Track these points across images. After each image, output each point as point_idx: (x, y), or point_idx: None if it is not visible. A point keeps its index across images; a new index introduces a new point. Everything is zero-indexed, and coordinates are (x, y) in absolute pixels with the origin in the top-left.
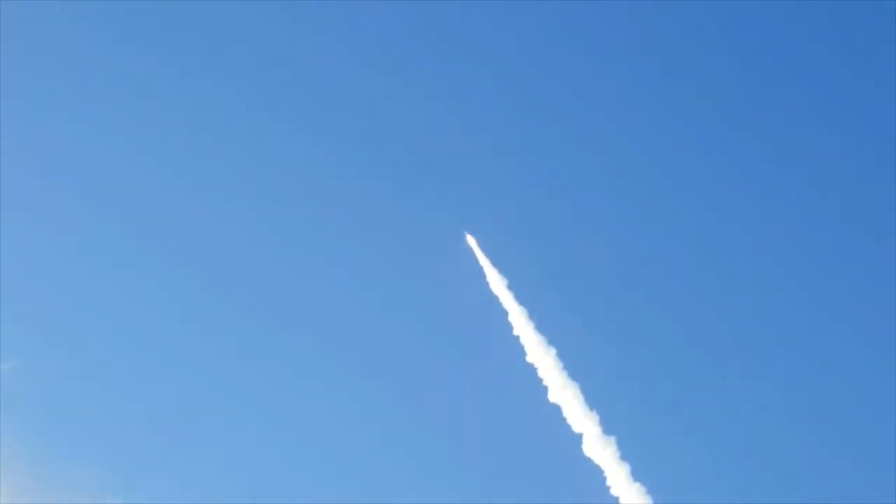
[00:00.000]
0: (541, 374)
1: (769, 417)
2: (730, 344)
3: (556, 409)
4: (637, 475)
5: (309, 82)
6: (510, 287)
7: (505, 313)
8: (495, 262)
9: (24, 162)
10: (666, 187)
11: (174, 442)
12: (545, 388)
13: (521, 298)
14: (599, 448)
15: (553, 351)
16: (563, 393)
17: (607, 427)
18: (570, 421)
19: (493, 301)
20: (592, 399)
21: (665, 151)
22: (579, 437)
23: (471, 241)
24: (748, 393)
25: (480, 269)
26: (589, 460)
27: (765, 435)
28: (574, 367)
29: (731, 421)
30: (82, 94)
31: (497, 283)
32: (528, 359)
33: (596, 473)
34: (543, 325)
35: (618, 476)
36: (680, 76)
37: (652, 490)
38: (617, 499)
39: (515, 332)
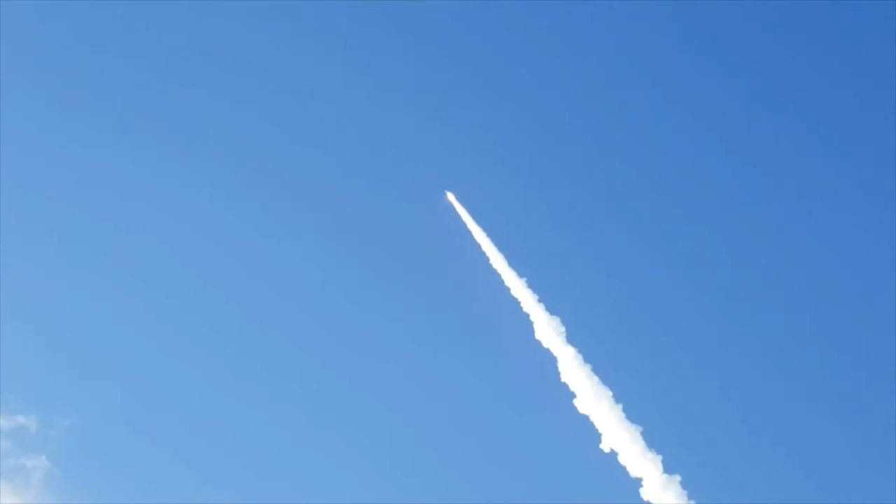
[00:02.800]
0: (594, 420)
1: (847, 454)
2: (794, 378)
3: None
4: None
5: (290, 59)
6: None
7: (556, 360)
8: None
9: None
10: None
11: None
12: (599, 435)
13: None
14: (661, 490)
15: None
16: (620, 436)
17: (669, 466)
18: (627, 466)
19: (545, 351)
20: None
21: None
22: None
23: (451, 198)
24: (821, 427)
25: (529, 319)
26: None
27: (844, 472)
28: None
29: (800, 454)
30: (82, 94)
31: (550, 330)
32: (579, 406)
33: None
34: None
35: None
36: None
37: None
38: None
39: (564, 379)
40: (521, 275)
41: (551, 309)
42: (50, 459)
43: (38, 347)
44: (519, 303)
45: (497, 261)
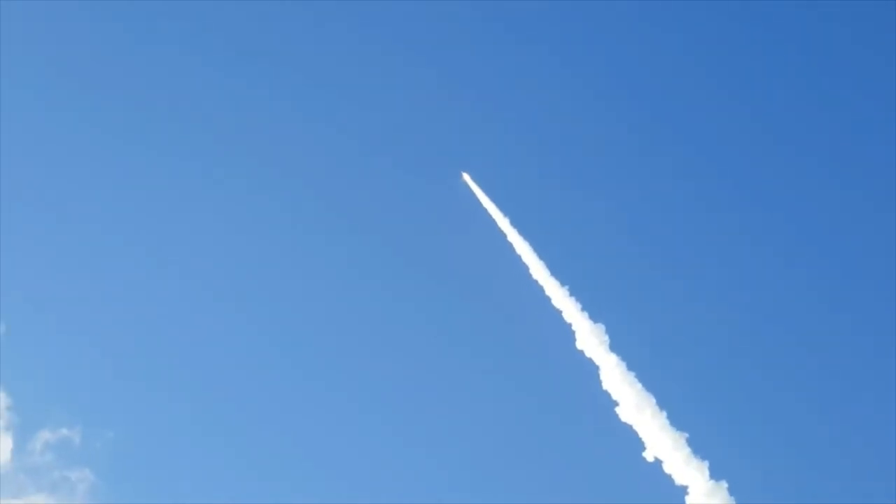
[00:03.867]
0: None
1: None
2: (844, 382)
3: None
4: None
5: (305, 42)
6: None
7: (598, 369)
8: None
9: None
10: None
11: None
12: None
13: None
14: (707, 497)
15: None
16: (664, 444)
17: (716, 472)
18: (673, 474)
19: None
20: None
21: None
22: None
23: (467, 178)
24: (873, 431)
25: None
26: None
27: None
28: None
29: (851, 459)
30: (82, 95)
31: (592, 337)
32: (622, 414)
33: None
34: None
35: None
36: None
37: None
38: None
39: (605, 387)
40: (549, 269)
41: (579, 301)
42: (94, 472)
43: (82, 360)
44: (559, 310)
45: (531, 260)
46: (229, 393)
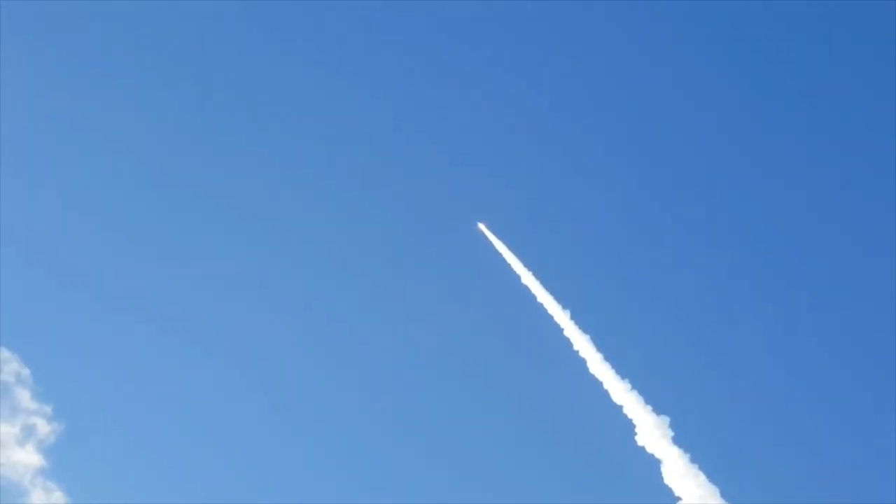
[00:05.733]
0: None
1: None
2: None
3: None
4: None
5: (319, 94)
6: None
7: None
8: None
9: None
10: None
11: None
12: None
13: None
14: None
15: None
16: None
17: None
18: None
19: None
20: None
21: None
22: None
23: (483, 229)
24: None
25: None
26: None
27: None
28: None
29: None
30: (83, 95)
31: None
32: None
33: None
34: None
35: None
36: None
37: None
38: None
39: (667, 481)
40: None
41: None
42: None
43: (139, 459)
44: (620, 405)
45: (583, 347)
46: (290, 490)
